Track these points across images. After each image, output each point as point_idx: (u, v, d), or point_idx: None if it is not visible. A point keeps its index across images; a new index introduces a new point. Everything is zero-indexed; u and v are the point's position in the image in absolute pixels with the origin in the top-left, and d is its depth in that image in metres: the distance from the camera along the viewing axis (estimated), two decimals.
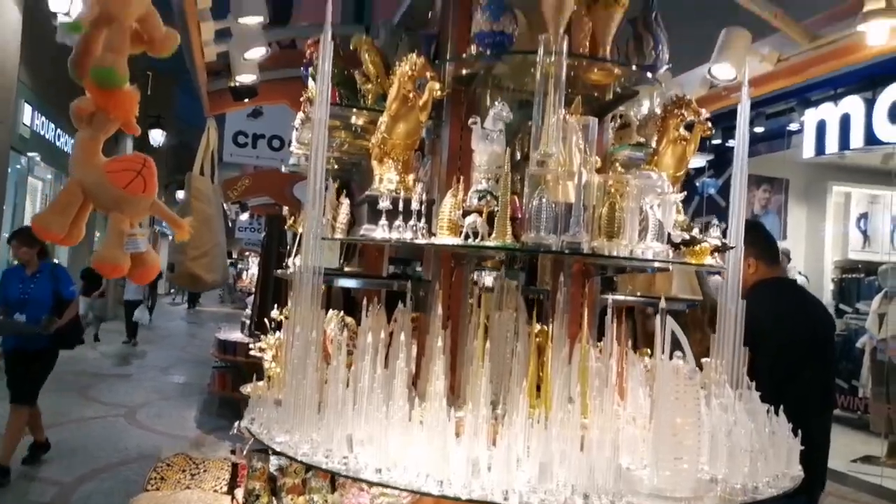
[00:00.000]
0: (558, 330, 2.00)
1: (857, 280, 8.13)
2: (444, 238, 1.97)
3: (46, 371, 5.79)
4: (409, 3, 2.98)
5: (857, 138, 6.03)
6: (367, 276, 2.99)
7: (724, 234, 2.12)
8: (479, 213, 1.92)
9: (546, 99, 1.91)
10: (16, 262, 6.02)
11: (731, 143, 2.68)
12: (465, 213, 1.94)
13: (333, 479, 2.85)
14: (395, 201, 2.03)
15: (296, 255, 3.19)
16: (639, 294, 2.84)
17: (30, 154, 11.49)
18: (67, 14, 6.73)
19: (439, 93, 2.19)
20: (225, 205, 10.00)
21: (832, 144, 6.28)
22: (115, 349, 13.45)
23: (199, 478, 3.46)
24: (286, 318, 2.55)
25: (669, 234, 1.96)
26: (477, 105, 2.38)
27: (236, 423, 2.62)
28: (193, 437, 7.24)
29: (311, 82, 2.79)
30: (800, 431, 1.92)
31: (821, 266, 8.20)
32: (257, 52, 4.75)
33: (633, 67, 2.30)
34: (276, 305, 3.33)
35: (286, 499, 2.87)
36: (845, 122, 6.13)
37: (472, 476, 1.58)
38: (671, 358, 1.74)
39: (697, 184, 7.58)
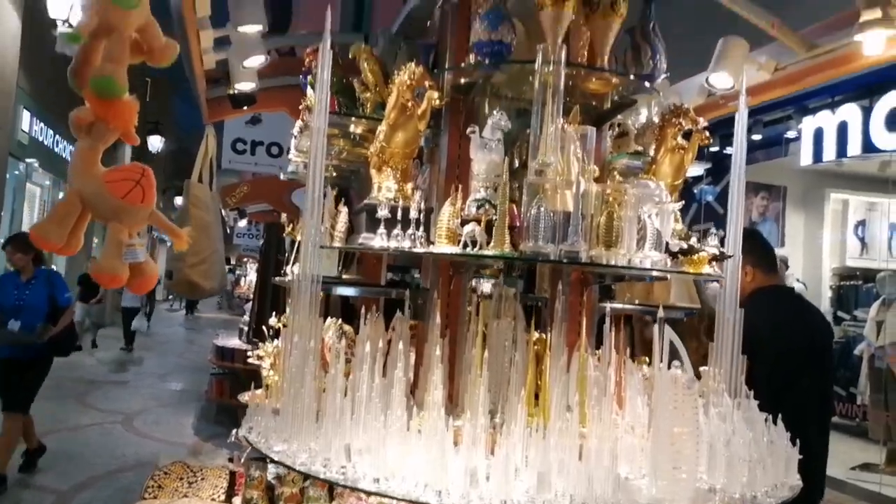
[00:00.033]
0: (556, 338, 2.01)
1: (854, 287, 8.13)
2: (443, 247, 1.97)
3: (41, 379, 5.77)
4: (408, 12, 2.99)
5: (854, 146, 6.04)
6: (366, 284, 2.98)
7: (721, 242, 2.13)
8: (478, 221, 1.92)
9: (544, 108, 1.92)
10: (11, 269, 6.00)
11: (728, 150, 2.69)
12: (464, 222, 1.95)
13: (331, 489, 2.83)
14: (393, 210, 2.03)
15: (294, 262, 3.19)
16: (637, 302, 2.85)
17: (28, 160, 11.49)
18: (67, 21, 6.74)
19: (438, 102, 2.19)
20: (223, 211, 10.00)
21: (829, 152, 6.29)
22: (112, 356, 13.42)
23: (196, 486, 3.44)
24: (284, 326, 2.54)
25: (667, 243, 1.97)
26: (475, 114, 2.39)
27: (234, 431, 2.61)
28: (191, 444, 7.22)
29: (309, 90, 2.80)
30: (798, 440, 1.92)
31: (819, 273, 8.19)
32: (256, 60, 4.76)
33: (631, 77, 2.30)
34: (274, 313, 3.33)
35: None
36: (842, 129, 6.14)
37: (470, 486, 1.58)
38: (669, 367, 1.74)
39: (695, 191, 7.58)
